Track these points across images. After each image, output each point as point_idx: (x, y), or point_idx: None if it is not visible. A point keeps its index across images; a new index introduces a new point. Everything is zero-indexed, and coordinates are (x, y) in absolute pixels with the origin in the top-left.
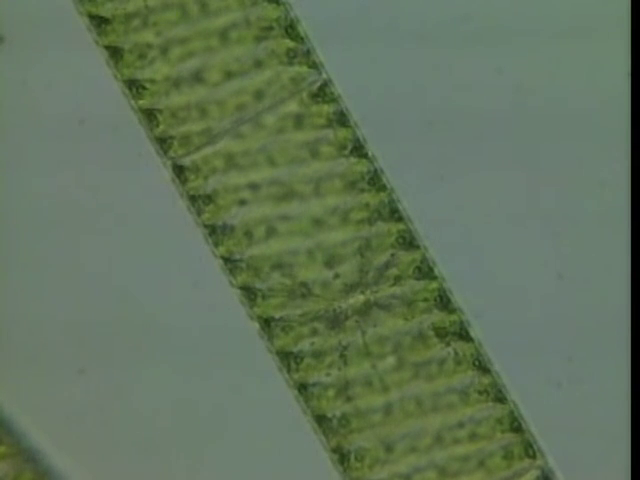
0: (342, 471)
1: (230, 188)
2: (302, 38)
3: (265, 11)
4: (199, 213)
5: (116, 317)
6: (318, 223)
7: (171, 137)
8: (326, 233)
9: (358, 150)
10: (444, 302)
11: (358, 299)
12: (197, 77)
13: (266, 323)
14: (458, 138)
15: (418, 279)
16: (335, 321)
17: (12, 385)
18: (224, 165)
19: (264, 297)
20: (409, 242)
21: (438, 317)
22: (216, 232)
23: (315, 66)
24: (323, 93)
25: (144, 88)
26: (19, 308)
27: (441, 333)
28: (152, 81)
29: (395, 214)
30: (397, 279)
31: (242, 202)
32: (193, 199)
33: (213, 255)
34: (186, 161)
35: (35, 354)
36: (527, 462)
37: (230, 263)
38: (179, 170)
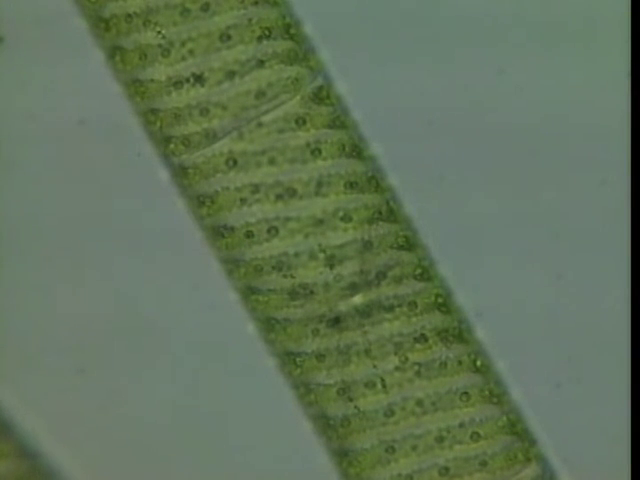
0: (343, 471)
1: (231, 188)
2: (303, 38)
3: (266, 11)
4: (199, 213)
5: (116, 317)
6: (319, 223)
7: (171, 137)
8: (327, 233)
9: (358, 150)
10: (444, 302)
11: (359, 300)
12: (198, 77)
13: (267, 323)
14: (458, 138)
15: (419, 279)
16: (336, 321)
17: (12, 385)
18: (225, 165)
19: (265, 298)
20: (409, 242)
21: (439, 317)
22: (217, 232)
23: (316, 66)
24: (324, 93)
25: (145, 88)
26: (19, 309)
27: (442, 333)
28: (153, 81)
29: (395, 214)
30: (398, 279)
31: (243, 202)
32: (193, 199)
33: (213, 256)
34: (187, 161)
35: (35, 354)
36: (527, 462)
37: (230, 264)
38: (179, 170)
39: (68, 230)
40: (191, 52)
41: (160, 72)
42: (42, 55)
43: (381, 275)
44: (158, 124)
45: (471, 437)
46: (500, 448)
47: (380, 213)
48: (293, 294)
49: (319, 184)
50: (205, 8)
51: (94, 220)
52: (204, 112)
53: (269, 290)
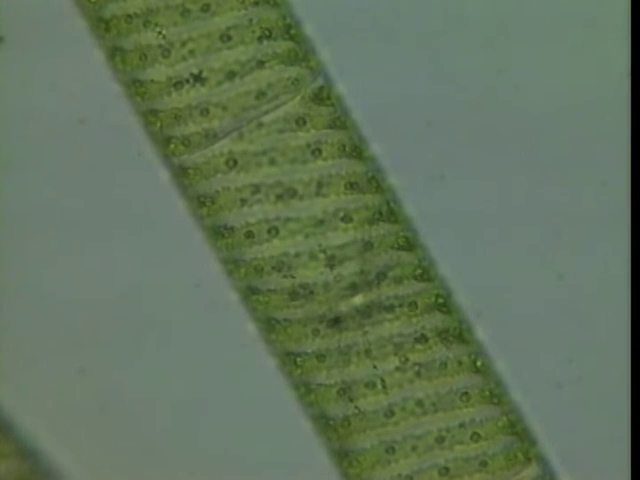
0: (343, 471)
1: (231, 188)
2: (303, 39)
3: (266, 12)
4: (200, 213)
5: (116, 318)
6: (319, 224)
7: (172, 137)
8: (327, 234)
9: (359, 151)
10: (445, 303)
11: (359, 300)
12: (198, 78)
13: (267, 324)
14: (458, 138)
15: (419, 280)
16: (336, 322)
17: (12, 385)
18: (225, 166)
19: (265, 298)
20: (410, 242)
21: (439, 318)
22: (217, 233)
23: (316, 67)
24: (324, 94)
25: (145, 89)
26: (19, 308)
27: (442, 334)
28: (153, 81)
29: (396, 214)
30: (398, 280)
31: (243, 202)
32: (194, 199)
33: (214, 256)
34: (187, 161)
35: (35, 354)
36: (527, 462)
37: (231, 264)
38: (180, 170)
39: (68, 230)
40: (191, 52)
41: (160, 72)
42: (42, 55)
43: (381, 275)
44: (158, 124)
45: (471, 437)
46: (500, 448)
47: (380, 213)
48: (293, 294)
49: (319, 184)
50: (205, 9)
51: (94, 220)
52: (204, 112)
53: (269, 290)
